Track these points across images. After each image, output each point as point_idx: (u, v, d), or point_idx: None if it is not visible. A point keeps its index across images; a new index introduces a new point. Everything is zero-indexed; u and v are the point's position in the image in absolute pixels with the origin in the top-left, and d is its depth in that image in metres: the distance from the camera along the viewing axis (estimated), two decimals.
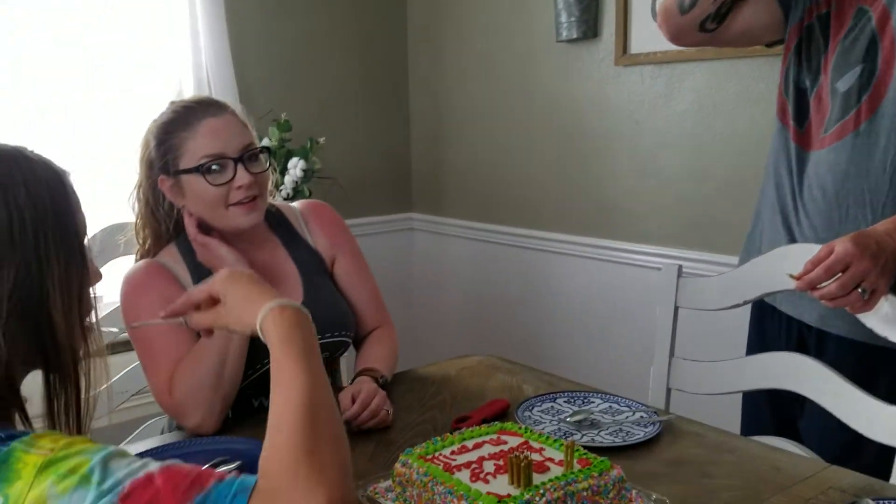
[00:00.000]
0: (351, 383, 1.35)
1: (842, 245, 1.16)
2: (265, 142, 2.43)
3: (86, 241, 0.81)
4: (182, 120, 1.33)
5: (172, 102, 1.38)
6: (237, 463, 1.10)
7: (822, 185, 1.33)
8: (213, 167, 1.31)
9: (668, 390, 1.47)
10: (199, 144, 1.31)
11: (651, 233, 2.32)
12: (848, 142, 1.30)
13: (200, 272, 1.37)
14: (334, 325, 1.43)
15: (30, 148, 0.81)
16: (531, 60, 2.57)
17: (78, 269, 0.78)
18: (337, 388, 1.48)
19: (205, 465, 1.09)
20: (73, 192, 0.81)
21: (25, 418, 0.76)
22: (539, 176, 2.62)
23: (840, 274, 1.16)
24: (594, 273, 2.48)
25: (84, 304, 0.80)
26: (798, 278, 1.20)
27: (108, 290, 2.22)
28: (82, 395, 0.79)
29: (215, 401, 1.26)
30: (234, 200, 1.32)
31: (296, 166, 2.43)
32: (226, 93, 2.42)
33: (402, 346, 1.55)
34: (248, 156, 1.33)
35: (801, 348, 1.38)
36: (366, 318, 1.52)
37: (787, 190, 1.41)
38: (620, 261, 2.40)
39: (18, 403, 0.76)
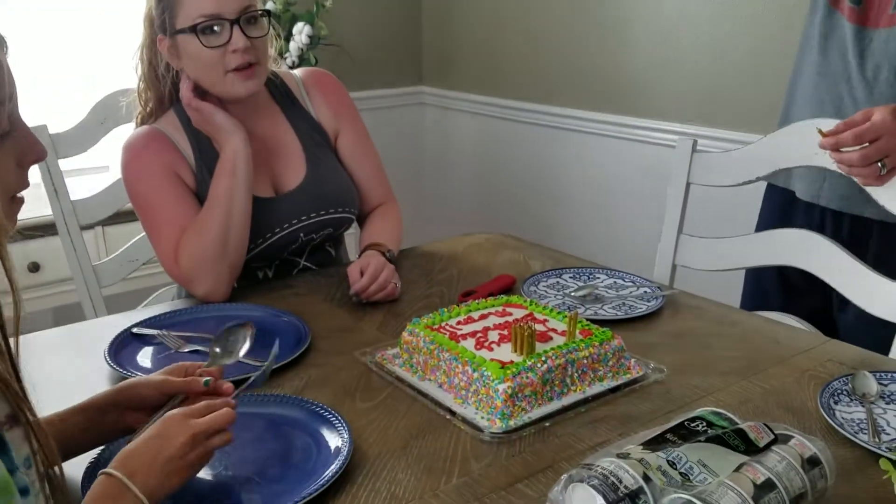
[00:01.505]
0: (358, 258, 1.36)
1: (880, 114, 1.13)
2: (268, 5, 2.33)
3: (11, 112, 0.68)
4: None
5: None
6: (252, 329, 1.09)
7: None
8: (209, 28, 1.27)
9: (674, 266, 1.47)
10: (194, 2, 1.26)
11: (667, 109, 2.25)
12: None
13: (199, 139, 1.35)
14: (338, 201, 1.43)
15: None
16: None
17: None
18: (343, 263, 1.49)
19: (218, 329, 1.08)
20: None
21: None
22: (554, 49, 2.53)
23: (867, 145, 1.13)
24: (607, 150, 2.44)
25: None
26: (826, 135, 1.18)
27: (111, 159, 2.24)
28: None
29: (222, 269, 1.28)
30: (231, 66, 1.28)
31: (301, 32, 2.34)
32: None
33: (411, 224, 1.55)
34: (245, 18, 1.28)
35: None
36: (370, 195, 1.51)
37: (840, 77, 1.31)
38: (634, 138, 2.35)
39: None
